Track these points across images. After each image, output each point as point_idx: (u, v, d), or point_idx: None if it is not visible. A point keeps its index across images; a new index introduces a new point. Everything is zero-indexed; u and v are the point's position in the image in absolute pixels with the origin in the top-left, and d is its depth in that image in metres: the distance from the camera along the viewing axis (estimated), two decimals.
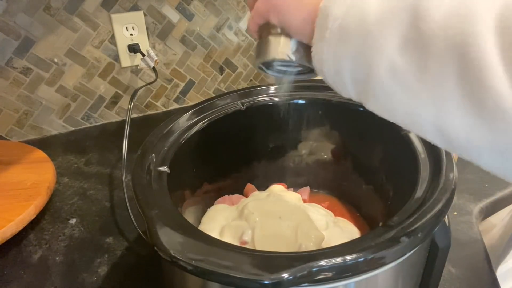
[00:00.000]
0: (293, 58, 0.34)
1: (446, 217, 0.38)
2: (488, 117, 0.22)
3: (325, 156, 0.62)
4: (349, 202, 0.61)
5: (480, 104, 0.22)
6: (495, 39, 0.22)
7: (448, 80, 0.23)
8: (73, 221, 0.62)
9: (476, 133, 0.23)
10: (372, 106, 0.30)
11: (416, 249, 0.34)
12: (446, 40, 0.23)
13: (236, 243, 0.48)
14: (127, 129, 0.64)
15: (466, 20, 0.23)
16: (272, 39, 0.35)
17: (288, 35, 0.34)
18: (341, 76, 0.30)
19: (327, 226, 0.52)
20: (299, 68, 0.38)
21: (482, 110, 0.22)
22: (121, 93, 0.90)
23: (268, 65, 0.38)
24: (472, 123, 0.23)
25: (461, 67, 0.23)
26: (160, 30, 0.89)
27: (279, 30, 0.35)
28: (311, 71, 0.37)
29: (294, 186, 0.64)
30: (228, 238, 0.49)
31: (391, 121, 0.29)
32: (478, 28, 0.22)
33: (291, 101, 0.58)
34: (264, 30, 0.36)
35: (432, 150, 0.44)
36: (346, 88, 0.31)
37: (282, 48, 0.35)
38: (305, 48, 0.33)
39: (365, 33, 0.27)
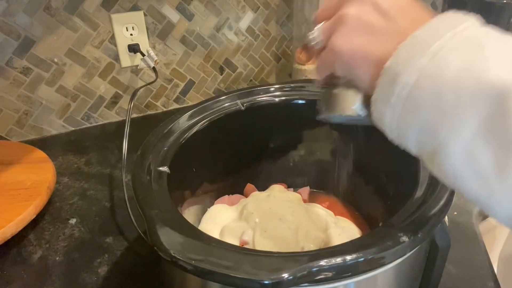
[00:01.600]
0: (361, 114, 0.32)
1: (446, 217, 0.38)
2: None
3: (325, 156, 0.62)
4: (349, 202, 0.61)
5: None
6: None
7: None
8: (73, 221, 0.62)
9: None
10: (436, 174, 0.28)
11: (416, 249, 0.34)
12: None
13: (236, 243, 0.48)
14: (127, 129, 0.64)
15: None
16: (339, 93, 0.33)
17: (355, 88, 0.32)
18: (404, 140, 0.29)
19: (327, 226, 0.52)
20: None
21: None
22: (121, 93, 0.90)
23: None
24: None
25: None
26: (160, 30, 0.89)
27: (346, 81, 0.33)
28: None
29: (294, 186, 0.64)
30: (228, 238, 0.49)
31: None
32: None
33: (291, 101, 0.58)
34: (331, 80, 0.34)
35: None
36: (409, 149, 0.30)
37: (349, 104, 0.33)
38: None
39: (440, 110, 0.25)
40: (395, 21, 0.29)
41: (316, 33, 0.34)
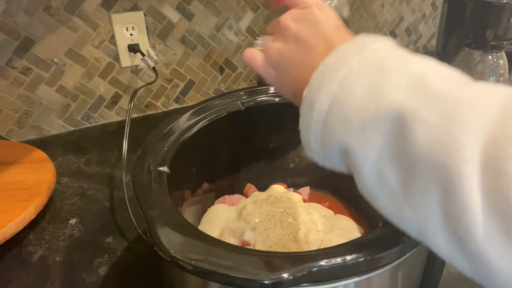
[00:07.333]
0: None
1: None
2: (467, 252, 0.22)
3: None
4: (349, 202, 0.61)
5: (460, 240, 0.22)
6: (479, 182, 0.21)
7: (431, 207, 0.23)
8: (73, 221, 0.62)
9: (456, 256, 0.24)
10: (362, 194, 0.29)
11: (416, 249, 0.34)
12: (430, 170, 0.23)
13: (236, 243, 0.48)
14: (127, 129, 0.64)
15: (451, 153, 0.22)
16: None
17: None
18: (331, 163, 0.31)
19: (327, 226, 0.52)
20: None
21: (462, 245, 0.22)
22: (121, 93, 0.90)
23: None
24: (452, 248, 0.23)
25: (444, 201, 0.22)
26: (160, 30, 0.89)
27: None
28: None
29: (294, 186, 0.64)
30: (228, 238, 0.49)
31: None
32: (464, 168, 0.21)
33: (291, 101, 0.58)
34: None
35: None
36: (340, 171, 0.31)
37: None
38: None
39: (349, 134, 0.26)
40: (312, 49, 0.31)
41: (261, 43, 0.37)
